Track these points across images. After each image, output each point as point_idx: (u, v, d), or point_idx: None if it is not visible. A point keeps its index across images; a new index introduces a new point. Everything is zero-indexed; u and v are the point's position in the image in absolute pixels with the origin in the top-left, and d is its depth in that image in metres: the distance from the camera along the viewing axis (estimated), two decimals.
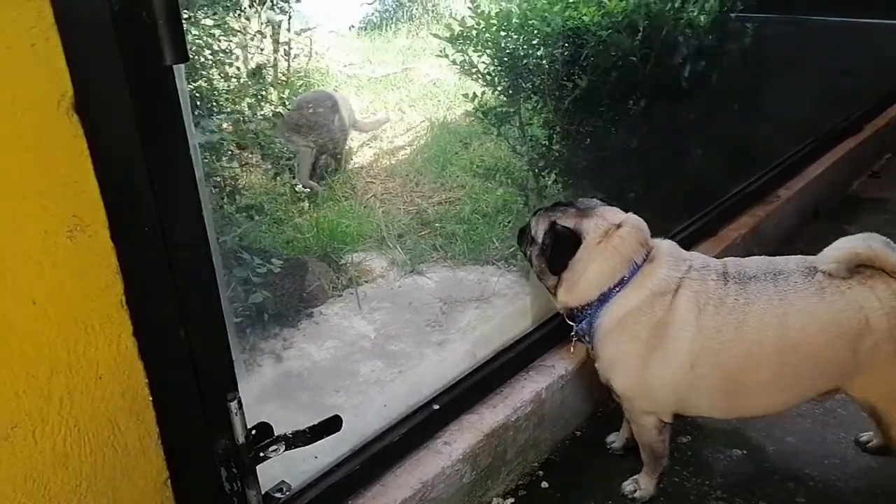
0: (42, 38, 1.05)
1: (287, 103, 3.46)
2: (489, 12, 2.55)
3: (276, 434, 1.69)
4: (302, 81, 5.56)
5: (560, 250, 1.98)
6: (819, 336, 1.84)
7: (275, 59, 5.27)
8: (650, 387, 2.01)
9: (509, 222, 3.58)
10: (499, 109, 2.75)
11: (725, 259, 2.05)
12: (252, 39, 2.68)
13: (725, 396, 1.97)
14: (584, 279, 1.98)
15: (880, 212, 3.94)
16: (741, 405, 2.02)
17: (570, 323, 2.12)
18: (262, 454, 1.62)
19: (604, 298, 1.97)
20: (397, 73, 6.15)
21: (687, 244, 3.04)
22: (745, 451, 2.41)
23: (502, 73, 2.68)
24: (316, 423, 1.74)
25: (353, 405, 2.46)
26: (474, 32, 2.61)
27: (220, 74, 2.52)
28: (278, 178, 2.85)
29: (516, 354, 2.49)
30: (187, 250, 1.39)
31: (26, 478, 1.19)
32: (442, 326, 2.93)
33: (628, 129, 2.80)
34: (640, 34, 2.57)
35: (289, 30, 5.34)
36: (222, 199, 2.75)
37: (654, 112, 2.86)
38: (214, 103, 2.48)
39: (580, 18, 2.43)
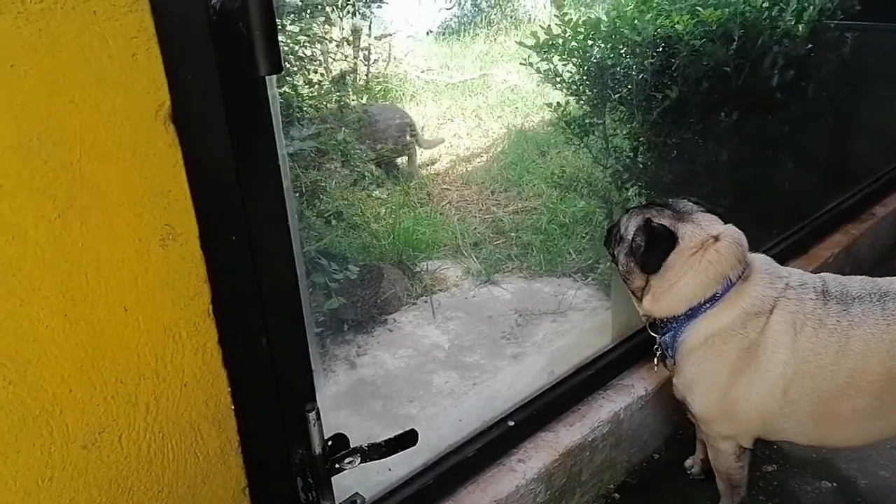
0: (143, 49, 1.05)
1: (367, 109, 3.46)
2: (576, 20, 2.49)
3: (351, 446, 1.67)
4: (380, 87, 5.62)
5: (654, 249, 1.86)
6: None
7: (355, 64, 5.34)
8: (733, 410, 1.90)
9: (587, 234, 3.50)
10: (583, 120, 2.68)
11: (824, 275, 1.93)
12: (336, 46, 2.67)
13: (816, 423, 1.85)
14: (673, 290, 1.87)
15: None
16: (832, 433, 1.90)
17: (653, 334, 2.03)
18: (337, 465, 1.61)
19: (692, 313, 1.87)
20: (475, 79, 6.13)
21: (776, 262, 2.94)
22: (834, 484, 2.28)
23: (588, 83, 2.61)
24: (392, 436, 1.72)
25: (427, 416, 2.44)
26: (560, 41, 2.55)
27: (304, 81, 2.54)
28: (357, 184, 2.86)
29: (595, 372, 2.42)
30: (272, 259, 1.38)
31: (111, 483, 1.20)
32: (517, 339, 2.88)
33: (718, 141, 2.69)
34: (734, 43, 2.46)
35: (369, 35, 5.40)
36: (302, 204, 2.77)
37: (745, 124, 2.73)
38: (299, 110, 2.50)
39: (672, 27, 2.34)
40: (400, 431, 1.71)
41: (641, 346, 2.55)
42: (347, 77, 3.88)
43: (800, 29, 2.66)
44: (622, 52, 2.48)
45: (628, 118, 2.61)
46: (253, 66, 1.20)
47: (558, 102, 2.70)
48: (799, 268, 3.05)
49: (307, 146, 2.35)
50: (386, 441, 1.69)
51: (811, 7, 2.69)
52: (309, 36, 2.58)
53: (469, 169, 4.66)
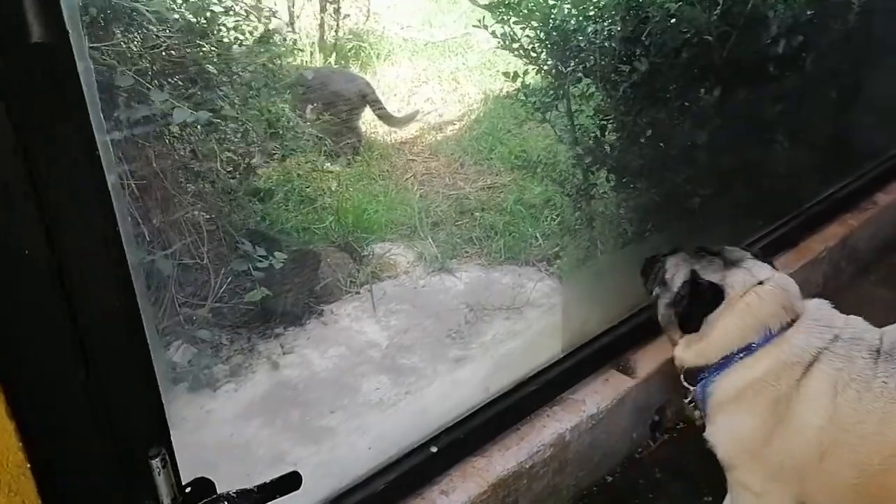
0: None
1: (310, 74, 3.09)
2: None
3: (217, 492, 1.37)
4: (352, 45, 5.21)
5: (696, 307, 1.72)
6: None
7: (321, 19, 4.94)
8: (769, 468, 1.67)
9: (556, 217, 3.16)
10: (543, 93, 2.33)
11: (890, 329, 1.66)
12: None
13: (860, 499, 1.60)
14: (708, 336, 1.69)
15: None
16: None
17: (687, 385, 1.81)
18: None
19: (724, 363, 1.67)
20: (457, 39, 5.70)
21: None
22: None
23: (550, 50, 2.25)
24: (269, 480, 1.42)
25: (347, 430, 2.14)
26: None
27: (216, 40, 2.19)
28: (287, 159, 2.53)
29: (539, 387, 2.12)
30: (90, 275, 1.08)
31: None
32: (463, 339, 2.57)
33: (698, 121, 2.33)
34: (718, 7, 2.10)
35: None
36: (223, 179, 2.44)
37: (730, 101, 2.38)
38: (208, 73, 2.15)
39: None
40: (280, 474, 1.41)
41: (596, 355, 2.26)
42: (288, 34, 3.49)
43: None
44: (588, 14, 2.11)
45: (592, 94, 2.25)
46: (24, 30, 0.89)
47: (516, 72, 2.34)
48: (787, 262, 2.77)
49: (202, 117, 2.00)
50: (260, 487, 1.39)
51: None
52: None
53: (439, 138, 4.30)
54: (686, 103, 2.30)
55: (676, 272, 1.80)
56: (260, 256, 2.45)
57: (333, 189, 3.38)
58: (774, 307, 1.64)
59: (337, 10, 5.04)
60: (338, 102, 3.80)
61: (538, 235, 3.18)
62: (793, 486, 1.65)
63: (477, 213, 3.47)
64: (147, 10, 2.03)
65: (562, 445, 2.07)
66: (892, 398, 1.49)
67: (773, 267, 1.80)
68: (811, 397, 1.56)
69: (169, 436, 1.25)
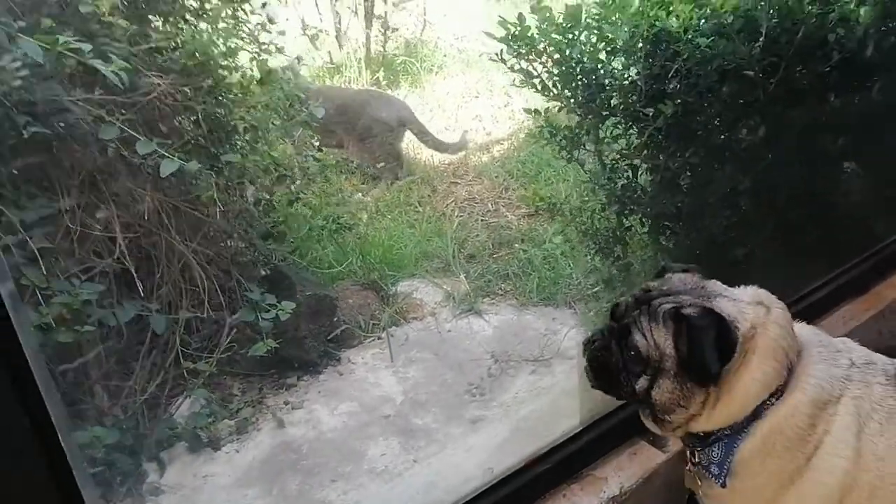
0: None
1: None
2: (551, 9, 1.91)
3: None
4: (401, 60, 5.07)
5: (714, 342, 1.32)
6: None
7: (367, 35, 4.82)
8: None
9: (592, 257, 2.92)
10: (565, 132, 2.11)
11: None
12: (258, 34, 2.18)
13: None
14: (735, 392, 1.36)
15: None
16: None
17: (689, 447, 1.51)
18: None
19: (755, 415, 1.37)
20: None
21: (821, 307, 2.32)
22: None
23: (572, 87, 2.03)
24: None
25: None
26: (535, 34, 1.98)
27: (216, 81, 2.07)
28: (293, 205, 2.39)
29: (557, 463, 1.91)
30: None
31: None
32: (484, 396, 2.39)
33: (742, 161, 2.07)
34: (761, 39, 1.82)
35: (385, 1, 4.86)
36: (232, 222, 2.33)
37: (783, 136, 2.10)
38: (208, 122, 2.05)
39: (669, 21, 1.73)
40: None
41: (623, 424, 2.02)
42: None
43: (862, 14, 1.99)
44: (608, 51, 1.88)
45: (622, 135, 2.02)
46: None
47: (536, 109, 2.14)
48: (854, 312, 2.45)
49: (190, 169, 1.90)
50: None
51: None
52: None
53: (485, 160, 4.10)
54: (726, 144, 2.03)
55: (649, 334, 1.39)
56: (268, 305, 2.32)
57: (364, 220, 3.23)
58: (792, 334, 1.38)
59: (385, 24, 4.90)
60: (376, 128, 3.66)
61: (576, 274, 2.95)
62: None
63: (517, 245, 3.26)
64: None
65: None
66: None
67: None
68: (837, 437, 1.33)
69: None
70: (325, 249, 2.94)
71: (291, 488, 2.06)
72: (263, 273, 2.49)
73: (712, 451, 1.44)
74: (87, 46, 1.73)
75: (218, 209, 2.21)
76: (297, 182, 2.38)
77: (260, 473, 2.12)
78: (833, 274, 2.47)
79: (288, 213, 2.39)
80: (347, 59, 4.89)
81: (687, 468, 1.57)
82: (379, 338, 2.70)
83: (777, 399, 1.36)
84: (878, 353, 1.46)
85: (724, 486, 1.45)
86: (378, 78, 4.84)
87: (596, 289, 2.83)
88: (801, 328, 1.47)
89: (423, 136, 3.97)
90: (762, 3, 1.79)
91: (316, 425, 2.29)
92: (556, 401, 2.25)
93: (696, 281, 1.44)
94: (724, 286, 1.44)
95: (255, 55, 2.19)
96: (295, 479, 2.10)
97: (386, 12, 4.90)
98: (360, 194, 3.46)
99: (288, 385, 2.47)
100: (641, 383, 1.41)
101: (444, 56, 5.41)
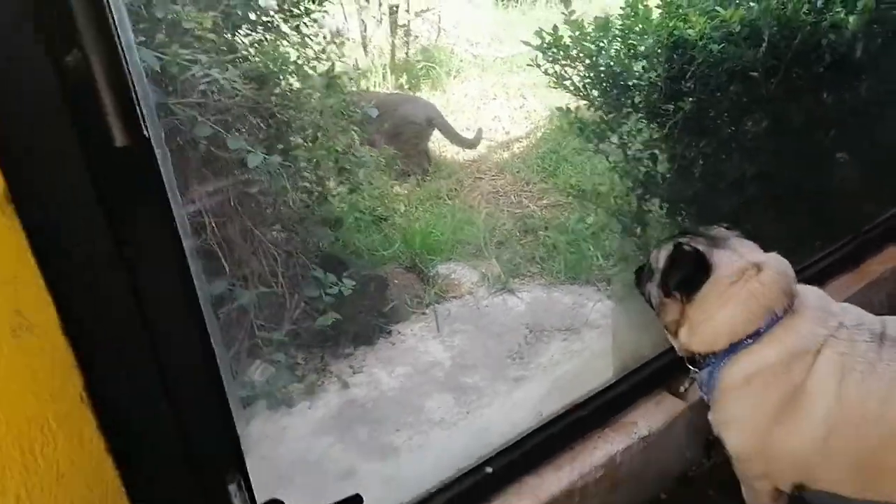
0: None
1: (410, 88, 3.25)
2: (582, 20, 2.23)
3: None
4: (423, 64, 5.40)
5: (682, 270, 1.75)
6: None
7: (392, 43, 5.15)
8: (771, 453, 1.76)
9: (614, 239, 3.25)
10: (597, 126, 2.43)
11: (888, 318, 1.73)
12: (327, 41, 2.50)
13: (859, 475, 1.68)
14: (712, 322, 1.73)
15: None
16: (876, 488, 1.70)
17: (691, 367, 1.88)
18: None
19: (732, 349, 1.72)
20: (524, 54, 5.81)
21: (817, 279, 2.64)
22: None
23: (600, 87, 2.36)
24: (333, 502, 1.60)
25: (411, 447, 2.31)
26: (568, 42, 2.31)
27: (288, 86, 2.39)
28: (357, 191, 2.72)
29: (593, 410, 2.23)
30: (170, 330, 1.26)
31: None
32: (523, 359, 2.70)
33: (748, 151, 2.39)
34: (763, 45, 2.15)
35: (407, 10, 5.19)
36: (302, 210, 2.65)
37: (783, 129, 2.42)
38: (279, 117, 2.37)
39: (686, 31, 2.06)
40: (345, 496, 1.59)
41: (649, 377, 2.35)
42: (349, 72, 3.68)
43: (851, 21, 2.31)
44: (632, 56, 2.21)
45: (644, 128, 2.35)
46: (108, 139, 1.07)
47: (567, 107, 2.46)
48: (845, 285, 2.78)
49: (273, 161, 2.21)
50: None
51: None
52: (299, 33, 2.43)
53: (506, 157, 4.43)
54: (735, 136, 2.36)
55: (660, 255, 1.84)
56: (331, 283, 2.64)
57: (402, 211, 3.56)
58: (778, 293, 1.68)
59: (407, 32, 5.23)
60: (406, 128, 3.99)
61: (598, 256, 3.27)
62: (793, 470, 1.74)
63: (541, 232, 3.58)
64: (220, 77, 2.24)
65: (613, 466, 2.18)
66: (893, 380, 1.56)
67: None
68: (821, 382, 1.62)
69: (244, 463, 1.45)
70: (370, 237, 3.26)
71: (362, 436, 2.38)
72: (323, 253, 2.82)
73: (702, 374, 1.81)
74: (198, 56, 2.06)
75: (289, 197, 2.53)
76: (358, 174, 2.69)
77: (332, 425, 2.43)
78: (828, 250, 2.80)
79: (349, 202, 2.71)
80: (372, 65, 5.22)
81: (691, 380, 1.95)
82: (423, 313, 3.02)
83: (754, 341, 1.68)
84: (870, 315, 1.75)
85: (710, 401, 1.83)
86: (401, 83, 5.18)
87: (616, 269, 3.16)
88: (808, 290, 1.78)
89: (449, 133, 4.30)
90: (764, 14, 2.12)
91: (377, 386, 2.61)
92: (587, 362, 2.57)
93: (727, 234, 1.82)
94: (748, 244, 1.79)
95: (325, 62, 2.50)
96: (364, 429, 2.42)
97: (409, 20, 5.23)
98: (397, 187, 3.78)
99: (346, 354, 2.79)
100: (648, 287, 1.87)
101: (461, 61, 5.74)
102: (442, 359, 2.74)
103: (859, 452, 1.63)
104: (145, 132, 1.11)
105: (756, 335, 1.68)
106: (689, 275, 1.73)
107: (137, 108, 1.09)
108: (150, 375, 1.25)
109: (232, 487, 1.43)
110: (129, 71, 1.06)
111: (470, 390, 2.57)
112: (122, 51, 1.05)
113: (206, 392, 1.36)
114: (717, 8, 2.08)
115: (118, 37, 1.03)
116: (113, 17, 1.03)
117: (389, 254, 3.24)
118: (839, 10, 2.31)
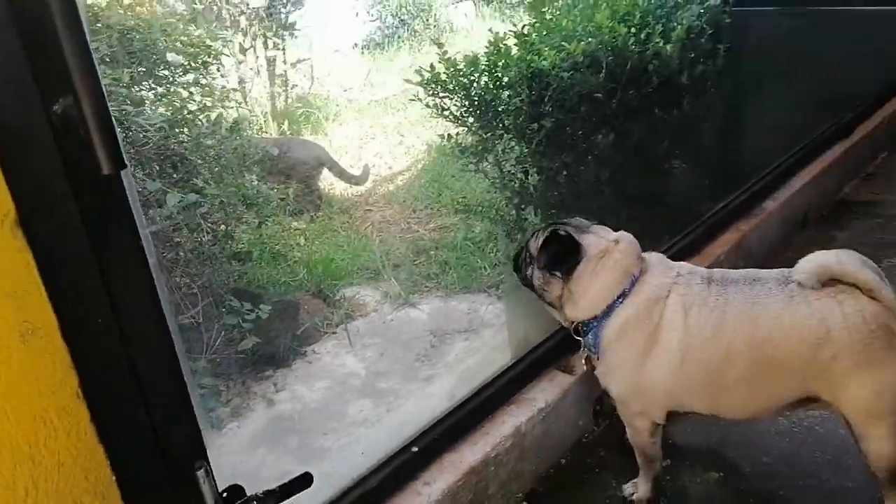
0: None
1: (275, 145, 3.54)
2: (455, 59, 2.62)
3: (247, 495, 1.76)
4: (302, 110, 5.69)
5: (561, 252, 2.10)
6: (782, 340, 1.93)
7: (271, 92, 5.41)
8: (644, 387, 2.13)
9: (498, 250, 3.64)
10: (475, 148, 2.81)
11: (712, 269, 2.17)
12: (227, 93, 2.75)
13: (708, 391, 2.09)
14: (590, 293, 2.12)
15: (871, 216, 3.91)
16: (723, 402, 2.11)
17: (577, 338, 2.24)
18: None
19: (608, 311, 2.11)
20: (397, 95, 6.23)
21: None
22: (721, 474, 2.45)
23: (475, 115, 2.75)
24: (286, 481, 1.82)
25: (340, 447, 2.55)
26: (444, 77, 2.68)
27: (191, 133, 2.62)
28: (263, 226, 2.96)
29: (496, 390, 2.56)
30: (143, 335, 1.47)
31: None
32: (430, 360, 3.00)
33: (601, 160, 2.85)
34: (603, 71, 2.62)
35: (284, 62, 5.47)
36: (212, 246, 2.85)
37: (627, 140, 2.90)
38: (189, 163, 2.59)
39: (541, 62, 2.49)
40: (295, 475, 1.82)
41: (541, 358, 2.70)
42: (254, 113, 3.93)
43: (668, 49, 2.83)
44: (500, 86, 2.61)
45: (513, 147, 2.75)
46: (96, 167, 1.30)
47: (448, 134, 2.82)
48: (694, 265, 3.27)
49: (190, 199, 2.43)
50: (281, 486, 1.78)
51: (678, 27, 2.87)
52: (200, 86, 2.67)
53: (391, 188, 4.77)
54: (589, 147, 2.80)
55: (536, 242, 2.18)
56: (247, 310, 2.86)
57: (302, 244, 3.81)
58: (634, 258, 2.11)
59: (285, 82, 5.51)
60: (298, 168, 4.25)
61: (486, 266, 3.65)
62: (663, 399, 2.14)
63: (432, 252, 3.93)
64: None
65: (519, 436, 2.50)
66: (721, 311, 1.98)
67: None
68: (671, 318, 2.02)
69: (206, 452, 1.66)
70: (276, 268, 3.49)
71: (293, 444, 2.59)
72: (234, 287, 3.03)
73: (588, 337, 2.18)
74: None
75: (202, 234, 2.74)
76: (264, 209, 2.94)
77: (263, 439, 2.63)
78: (674, 240, 3.29)
79: (256, 236, 2.95)
80: (250, 114, 5.44)
81: (585, 356, 2.29)
82: (334, 332, 3.27)
83: (622, 300, 2.08)
84: (699, 267, 2.20)
85: (598, 358, 2.20)
86: (283, 129, 5.44)
87: (503, 275, 3.54)
88: (651, 256, 2.21)
89: (338, 172, 4.60)
90: (601, 46, 2.59)
91: (300, 400, 2.82)
92: (487, 355, 2.90)
93: (588, 223, 2.24)
94: (602, 227, 2.22)
95: (229, 107, 2.75)
96: (294, 438, 2.63)
97: (285, 70, 5.51)
98: (294, 223, 4.03)
99: (267, 377, 2.99)
100: (529, 271, 2.23)
101: (337, 106, 6.07)
102: (357, 369, 3.00)
103: (706, 374, 2.04)
104: (125, 161, 1.36)
105: (623, 296, 2.09)
106: (567, 255, 2.11)
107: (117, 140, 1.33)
108: (127, 377, 1.46)
109: (200, 473, 1.65)
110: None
111: (387, 393, 2.84)
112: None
113: (172, 392, 1.57)
114: (563, 43, 2.52)
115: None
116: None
117: (296, 283, 3.47)
118: (658, 40, 2.83)
